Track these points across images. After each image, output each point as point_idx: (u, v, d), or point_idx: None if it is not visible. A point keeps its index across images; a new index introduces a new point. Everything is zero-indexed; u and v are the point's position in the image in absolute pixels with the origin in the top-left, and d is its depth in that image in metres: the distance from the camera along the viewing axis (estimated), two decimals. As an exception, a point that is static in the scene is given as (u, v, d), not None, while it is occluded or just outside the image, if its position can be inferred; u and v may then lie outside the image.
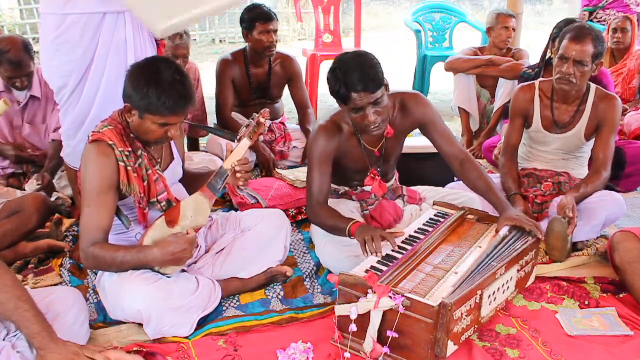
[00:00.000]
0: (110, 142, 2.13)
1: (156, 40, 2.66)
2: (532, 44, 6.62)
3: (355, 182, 2.78)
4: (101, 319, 2.32)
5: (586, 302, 2.47)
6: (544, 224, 2.90)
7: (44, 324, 1.81)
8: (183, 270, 2.31)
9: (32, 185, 3.22)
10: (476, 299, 2.07)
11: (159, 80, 2.08)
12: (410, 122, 2.67)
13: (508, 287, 2.31)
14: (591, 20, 5.80)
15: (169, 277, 2.19)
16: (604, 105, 2.97)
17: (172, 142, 2.42)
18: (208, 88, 4.16)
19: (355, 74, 2.33)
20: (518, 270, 2.35)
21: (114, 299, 2.19)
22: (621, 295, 2.52)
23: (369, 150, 2.65)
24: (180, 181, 2.52)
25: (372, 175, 2.67)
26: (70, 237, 2.94)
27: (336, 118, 2.62)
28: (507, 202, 2.57)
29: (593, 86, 3.02)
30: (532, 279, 2.53)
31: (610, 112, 2.95)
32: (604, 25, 5.55)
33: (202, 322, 2.25)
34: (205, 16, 2.34)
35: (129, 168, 2.17)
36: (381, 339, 1.99)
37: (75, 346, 1.84)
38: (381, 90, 2.36)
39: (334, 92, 2.42)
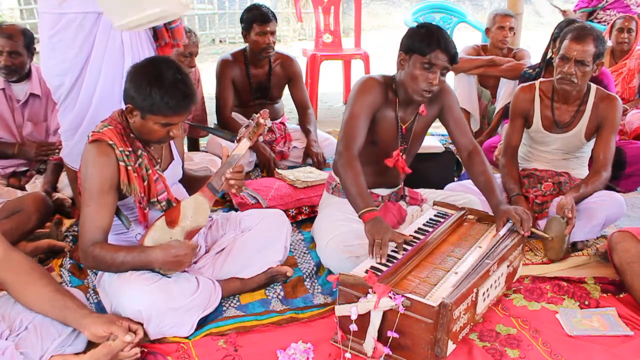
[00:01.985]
0: (111, 142, 2.13)
1: (158, 42, 2.66)
2: (532, 43, 6.62)
3: (368, 177, 2.63)
4: (102, 320, 2.32)
5: (586, 302, 2.47)
6: (543, 223, 2.91)
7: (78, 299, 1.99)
8: (183, 270, 2.31)
9: (33, 184, 3.22)
10: (472, 297, 2.08)
11: (161, 81, 2.08)
12: (436, 106, 2.72)
13: (499, 284, 2.32)
14: (591, 21, 5.81)
15: (169, 277, 2.19)
16: (604, 105, 2.97)
17: (171, 142, 2.42)
18: (208, 88, 4.16)
19: (446, 38, 2.47)
20: (507, 266, 2.36)
21: (114, 299, 2.19)
22: (621, 295, 2.52)
23: (400, 125, 2.66)
24: (179, 182, 2.52)
25: (399, 153, 2.67)
26: (70, 237, 2.94)
27: (387, 80, 2.64)
28: (502, 200, 2.57)
29: (593, 86, 3.02)
30: (518, 274, 2.54)
31: (610, 112, 2.96)
32: (604, 25, 5.55)
33: (202, 322, 2.25)
34: (157, 20, 2.35)
35: (129, 167, 2.16)
36: (381, 339, 1.98)
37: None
38: (449, 67, 2.50)
39: (414, 42, 2.48)
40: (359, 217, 2.36)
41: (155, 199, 2.27)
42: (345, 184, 2.45)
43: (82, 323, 1.92)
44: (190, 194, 2.43)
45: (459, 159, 2.84)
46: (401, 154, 2.68)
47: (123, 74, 2.40)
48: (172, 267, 2.17)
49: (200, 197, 2.32)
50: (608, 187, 3.12)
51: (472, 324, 2.17)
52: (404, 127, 2.67)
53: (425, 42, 2.44)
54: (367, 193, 2.42)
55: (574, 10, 6.02)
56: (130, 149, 2.19)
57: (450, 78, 4.62)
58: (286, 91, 4.13)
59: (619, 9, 5.74)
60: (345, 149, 2.47)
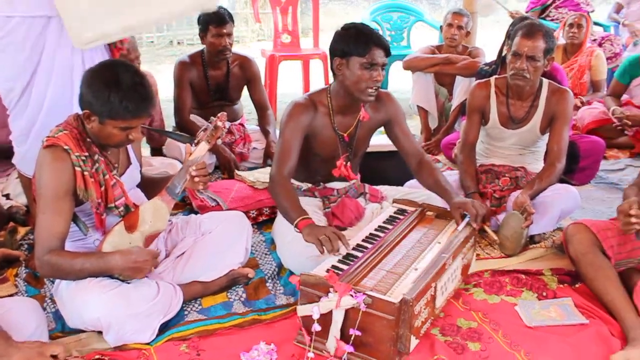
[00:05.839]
0: (66, 147, 2.08)
1: (112, 45, 2.63)
2: (488, 42, 6.72)
3: (320, 176, 2.80)
4: (59, 328, 2.27)
5: (544, 294, 2.52)
6: (502, 218, 2.96)
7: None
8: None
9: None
10: (431, 291, 2.10)
11: (119, 85, 2.04)
12: (380, 117, 2.76)
13: (455, 276, 2.36)
14: (543, 19, 5.94)
15: (128, 283, 2.16)
16: (555, 98, 3.05)
17: (129, 147, 2.39)
18: (166, 91, 4.11)
19: (377, 34, 2.53)
20: (462, 259, 2.41)
21: (72, 307, 2.15)
22: (577, 285, 2.58)
23: (340, 134, 2.69)
24: (138, 186, 2.48)
25: (343, 162, 2.71)
26: (26, 246, 2.87)
27: (313, 97, 2.68)
28: (454, 191, 2.63)
29: (545, 81, 3.10)
30: (472, 266, 2.59)
31: (562, 104, 3.03)
32: (556, 23, 5.69)
33: (164, 328, 2.22)
34: (136, 29, 2.33)
35: (86, 173, 2.12)
36: (344, 338, 1.99)
37: (36, 344, 1.84)
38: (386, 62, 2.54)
39: (348, 45, 2.49)
40: (295, 227, 2.38)
41: (113, 205, 2.23)
42: (278, 203, 2.53)
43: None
44: (149, 198, 2.39)
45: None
46: (346, 161, 2.73)
47: (76, 78, 2.37)
48: (132, 273, 2.14)
49: (159, 202, 2.29)
50: (563, 181, 3.20)
51: (432, 318, 2.20)
52: (345, 134, 2.71)
53: (360, 42, 2.47)
54: (299, 205, 2.47)
55: (526, 11, 6.16)
56: (86, 153, 2.14)
57: (407, 77, 4.70)
58: (245, 92, 4.11)
59: (570, 7, 5.89)
60: (276, 172, 2.55)
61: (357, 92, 2.55)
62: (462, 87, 4.32)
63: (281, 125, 2.63)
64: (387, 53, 2.52)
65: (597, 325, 2.28)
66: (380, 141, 3.34)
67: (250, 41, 9.88)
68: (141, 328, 2.13)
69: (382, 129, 2.87)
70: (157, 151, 4.05)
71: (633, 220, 2.21)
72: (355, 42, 2.48)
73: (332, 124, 2.68)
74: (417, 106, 4.54)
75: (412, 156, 2.78)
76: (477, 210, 2.46)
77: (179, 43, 9.63)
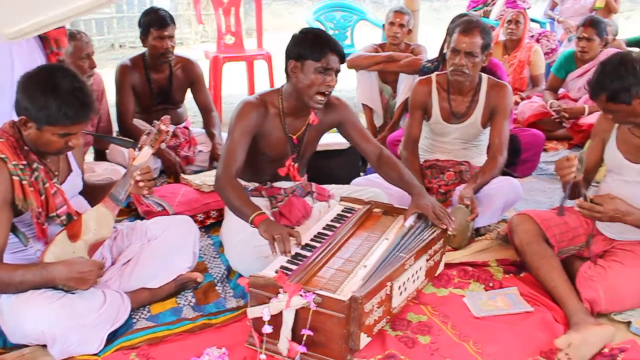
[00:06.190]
0: (2, 156, 2.02)
1: (48, 50, 2.55)
2: (430, 39, 6.84)
3: (267, 176, 2.79)
4: (0, 345, 2.19)
5: (490, 284, 2.58)
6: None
7: None
8: (88, 285, 2.22)
9: None
10: (386, 290, 2.11)
11: (57, 90, 1.99)
12: (331, 119, 2.78)
13: (418, 277, 2.37)
14: (485, 17, 6.09)
15: (73, 294, 2.10)
16: (495, 92, 3.13)
17: (69, 154, 2.33)
18: (108, 95, 4.02)
19: (334, 40, 2.56)
20: (427, 260, 2.42)
21: (13, 322, 2.07)
22: (522, 275, 2.66)
23: (289, 136, 2.70)
24: (81, 193, 2.42)
25: (291, 163, 2.72)
26: (-37, 260, 2.76)
27: (264, 97, 2.68)
28: (421, 187, 2.65)
29: (484, 76, 3.17)
30: (441, 267, 2.61)
31: (501, 98, 3.11)
32: (496, 20, 5.84)
33: (112, 337, 2.18)
34: (62, 20, 2.25)
35: (24, 182, 2.06)
36: (296, 338, 1.99)
37: None
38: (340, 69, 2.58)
39: (305, 48, 2.51)
40: (250, 223, 2.38)
41: (55, 214, 2.17)
42: (228, 201, 2.51)
43: None
44: (92, 205, 2.34)
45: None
46: (293, 162, 2.74)
47: (13, 84, 2.29)
48: (75, 284, 2.08)
49: (102, 209, 2.24)
50: (505, 173, 3.28)
51: (388, 317, 2.20)
52: (294, 137, 2.72)
53: (317, 46, 2.50)
54: (251, 201, 2.47)
55: (467, 10, 6.29)
56: (24, 162, 2.08)
57: (351, 75, 4.73)
58: (189, 95, 4.06)
59: (507, 4, 6.05)
60: (222, 171, 2.53)
61: (306, 97, 2.55)
62: (406, 84, 4.36)
63: (231, 123, 2.61)
64: (342, 60, 2.55)
65: (541, 313, 2.35)
66: (327, 140, 3.36)
67: (193, 43, 9.77)
68: (88, 339, 2.07)
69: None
70: (101, 155, 3.96)
71: (569, 165, 2.34)
72: (311, 46, 2.50)
73: (283, 126, 2.68)
74: (362, 104, 4.57)
75: (371, 153, 2.79)
76: (437, 216, 2.48)
77: (120, 46, 9.45)
